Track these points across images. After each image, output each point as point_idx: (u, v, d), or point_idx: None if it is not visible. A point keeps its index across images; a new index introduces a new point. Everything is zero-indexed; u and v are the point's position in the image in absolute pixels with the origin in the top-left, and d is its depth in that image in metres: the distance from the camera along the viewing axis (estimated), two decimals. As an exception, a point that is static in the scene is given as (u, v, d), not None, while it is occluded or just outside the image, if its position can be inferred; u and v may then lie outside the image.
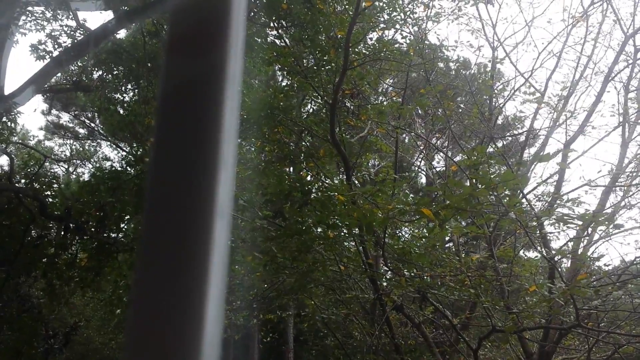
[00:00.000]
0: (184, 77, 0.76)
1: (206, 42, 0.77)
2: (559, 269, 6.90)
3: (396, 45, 8.69)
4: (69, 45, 11.32)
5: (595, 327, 7.43)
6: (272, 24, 9.38)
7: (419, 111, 9.49)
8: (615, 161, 9.17)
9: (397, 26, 8.79)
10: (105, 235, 10.62)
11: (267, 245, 6.78)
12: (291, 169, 8.81)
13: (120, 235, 10.62)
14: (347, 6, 8.66)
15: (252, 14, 10.15)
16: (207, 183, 0.71)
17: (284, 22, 9.31)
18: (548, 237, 8.00)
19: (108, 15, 15.60)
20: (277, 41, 8.99)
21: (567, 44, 9.59)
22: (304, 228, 6.34)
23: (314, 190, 7.22)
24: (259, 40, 9.86)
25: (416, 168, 12.78)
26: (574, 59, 9.71)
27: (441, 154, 10.59)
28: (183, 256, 0.69)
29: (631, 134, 9.33)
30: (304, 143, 8.94)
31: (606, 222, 7.37)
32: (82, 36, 11.44)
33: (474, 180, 5.13)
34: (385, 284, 7.03)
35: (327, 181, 7.81)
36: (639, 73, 9.53)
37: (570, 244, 8.03)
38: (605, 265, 8.39)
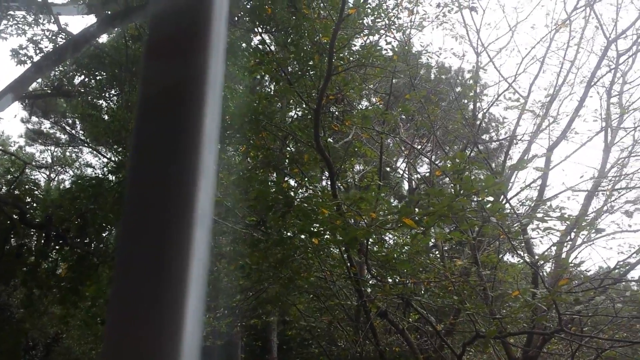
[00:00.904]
0: (163, 81, 0.75)
1: (187, 46, 0.76)
2: (542, 274, 6.93)
3: (381, 51, 8.72)
4: (50, 50, 11.21)
5: (578, 332, 7.47)
6: (256, 29, 9.38)
7: (403, 116, 9.52)
8: (598, 166, 9.25)
9: (382, 32, 8.83)
10: (86, 244, 10.49)
11: (250, 253, 6.74)
12: (275, 174, 8.78)
13: (101, 244, 10.50)
14: (331, 12, 8.67)
15: (237, 18, 10.13)
16: (187, 190, 0.70)
17: (268, 27, 9.31)
18: (531, 242, 8.06)
19: (90, 19, 15.50)
20: (261, 46, 8.97)
21: (550, 49, 9.69)
22: (287, 236, 6.31)
23: (297, 197, 7.20)
24: (243, 45, 9.85)
25: (400, 173, 12.83)
26: (557, 64, 9.81)
27: (425, 158, 10.64)
28: (161, 264, 0.68)
29: (613, 139, 9.43)
30: (288, 148, 8.93)
31: (588, 227, 7.45)
32: (64, 41, 11.33)
33: (456, 186, 5.15)
34: (369, 290, 7.02)
35: (310, 189, 7.78)
36: (621, 78, 9.65)
37: (554, 249, 8.09)
38: (586, 270, 8.47)
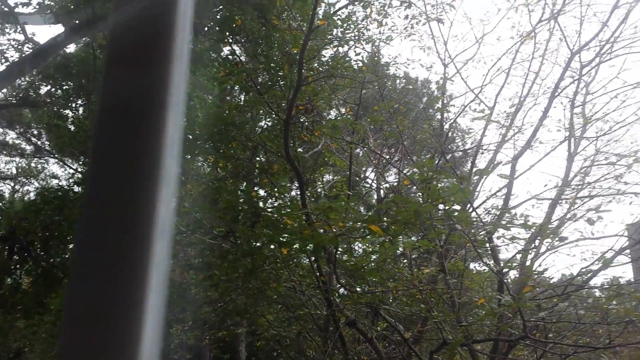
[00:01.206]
0: (125, 92, 0.75)
1: (149, 56, 0.76)
2: (507, 282, 7.06)
3: (350, 62, 8.81)
4: (16, 59, 11.03)
5: (542, 338, 7.61)
6: (226, 40, 9.38)
7: (372, 126, 9.62)
8: (561, 175, 9.44)
9: (351, 43, 8.93)
10: (50, 257, 10.29)
11: (219, 264, 6.72)
12: (244, 185, 8.78)
13: (66, 256, 10.31)
14: (301, 22, 8.75)
15: (207, 29, 10.14)
16: (147, 200, 0.70)
17: (238, 38, 9.33)
18: (497, 250, 8.19)
19: (57, 29, 15.29)
20: (231, 57, 8.99)
21: (515, 61, 9.87)
22: (256, 246, 6.31)
23: (267, 207, 7.21)
24: (213, 55, 9.84)
25: (370, 183, 12.94)
26: (522, 75, 10.00)
27: (394, 168, 10.75)
28: (119, 274, 0.67)
29: (577, 148, 9.64)
30: (258, 158, 8.93)
31: (552, 235, 7.61)
32: (30, 50, 11.17)
33: (424, 194, 5.23)
34: (338, 299, 7.05)
35: (279, 199, 7.80)
36: (584, 88, 9.87)
37: (518, 257, 8.23)
38: (549, 278, 8.62)
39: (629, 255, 8.78)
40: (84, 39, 11.62)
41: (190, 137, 7.94)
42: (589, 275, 8.11)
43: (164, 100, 0.74)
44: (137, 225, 0.69)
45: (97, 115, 0.75)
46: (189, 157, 8.38)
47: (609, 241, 15.87)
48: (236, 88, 9.51)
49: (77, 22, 10.29)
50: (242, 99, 9.42)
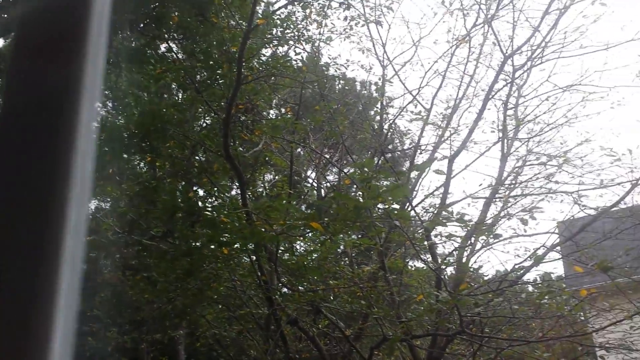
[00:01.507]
0: (32, 87, 0.70)
1: (60, 51, 0.71)
2: (445, 278, 7.22)
3: (290, 62, 8.81)
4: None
5: (478, 332, 7.83)
6: (162, 36, 9.20)
7: (313, 126, 9.64)
8: (495, 174, 9.71)
9: (291, 43, 8.93)
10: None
11: (157, 264, 6.58)
12: (183, 184, 8.63)
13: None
14: (240, 21, 8.67)
15: (142, 25, 9.90)
16: (57, 200, 0.67)
17: (175, 35, 9.16)
18: (434, 248, 8.36)
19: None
20: (168, 54, 8.82)
21: (451, 64, 10.05)
22: (195, 246, 6.22)
23: (207, 207, 7.11)
24: (149, 52, 9.63)
25: (310, 182, 12.96)
26: (457, 77, 10.18)
27: (335, 167, 10.81)
28: (28, 276, 0.64)
29: (509, 149, 9.92)
30: (197, 158, 8.80)
31: (487, 232, 7.84)
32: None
33: (364, 193, 5.28)
34: (279, 298, 7.03)
35: (220, 198, 7.71)
36: (516, 91, 10.18)
37: (455, 254, 8.42)
38: (485, 274, 8.86)
39: (560, 252, 9.14)
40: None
41: (126, 135, 7.75)
42: (522, 271, 8.39)
43: (77, 97, 0.70)
44: (47, 225, 0.66)
45: (2, 114, 0.70)
46: (126, 156, 8.18)
47: (540, 238, 16.44)
48: (174, 86, 9.33)
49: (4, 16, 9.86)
50: (180, 97, 9.25)
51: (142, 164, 9.21)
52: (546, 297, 7.28)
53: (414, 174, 9.98)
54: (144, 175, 8.53)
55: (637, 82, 8.95)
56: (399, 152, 12.05)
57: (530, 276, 9.49)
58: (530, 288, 9.65)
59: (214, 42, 8.39)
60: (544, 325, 8.17)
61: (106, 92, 11.12)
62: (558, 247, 8.93)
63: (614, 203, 8.63)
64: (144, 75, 9.24)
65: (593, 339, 8.62)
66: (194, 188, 8.44)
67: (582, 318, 9.60)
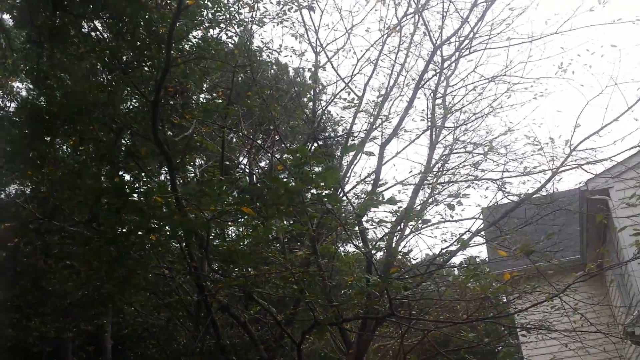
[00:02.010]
0: None
1: None
2: (375, 263, 7.32)
3: (222, 45, 8.63)
4: None
5: (406, 315, 8.01)
6: (87, 16, 8.80)
7: (245, 110, 9.52)
8: (424, 162, 9.92)
9: (222, 25, 8.75)
10: None
11: (81, 252, 6.32)
12: (108, 169, 8.30)
13: None
14: (169, 1, 8.41)
15: (66, 3, 9.43)
16: None
17: (101, 14, 8.78)
18: (365, 233, 8.46)
19: None
20: (93, 34, 8.43)
21: (382, 53, 10.16)
22: (121, 232, 6.00)
23: (134, 192, 6.87)
24: (73, 32, 9.18)
25: (243, 168, 12.82)
26: (388, 66, 10.31)
27: (267, 154, 10.73)
28: None
29: (438, 137, 10.16)
30: (123, 141, 8.50)
31: (416, 218, 8.00)
32: None
33: (296, 179, 5.25)
34: (210, 284, 6.92)
35: (147, 183, 7.47)
36: (445, 81, 10.41)
37: (385, 239, 8.56)
38: (413, 258, 9.06)
39: (484, 237, 9.47)
40: None
41: (48, 117, 7.38)
42: (449, 255, 8.64)
43: None
44: None
45: None
46: (48, 139, 7.80)
47: (466, 224, 17.02)
48: (99, 67, 8.95)
49: None
50: (105, 78, 8.88)
51: (65, 147, 8.81)
52: (471, 280, 7.51)
53: (345, 160, 10.06)
54: (67, 159, 8.15)
55: (560, 75, 9.32)
56: (331, 139, 12.10)
57: (456, 260, 9.79)
58: (457, 271, 9.96)
59: (142, 23, 8.09)
60: (469, 307, 8.44)
61: (27, 73, 10.55)
62: (482, 232, 9.25)
63: (535, 190, 9.00)
64: (67, 55, 8.81)
65: (515, 320, 9.00)
66: (120, 173, 8.14)
67: (505, 300, 10.00)
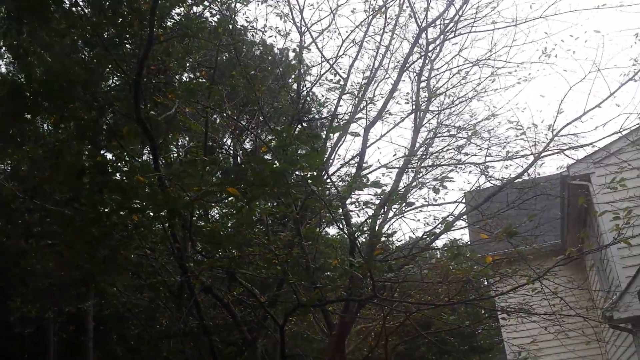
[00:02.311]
0: None
1: None
2: (359, 245, 7.34)
3: (205, 23, 8.48)
4: None
5: (389, 297, 8.07)
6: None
7: (229, 90, 9.41)
8: (408, 145, 9.93)
9: (206, 3, 8.60)
10: None
11: (62, 231, 6.23)
12: (89, 147, 8.16)
13: None
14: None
15: (45, -23, 9.18)
16: None
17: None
18: (350, 215, 8.48)
19: None
20: (74, 9, 8.21)
21: (368, 34, 10.10)
22: (103, 212, 5.92)
23: (117, 171, 6.77)
24: (53, 7, 8.95)
25: (227, 149, 12.73)
26: (373, 48, 10.26)
27: (252, 135, 10.65)
28: None
29: (422, 121, 10.17)
30: (105, 120, 8.37)
31: (399, 201, 8.02)
32: None
33: (281, 160, 5.22)
34: (193, 265, 6.89)
35: (129, 163, 7.36)
36: (429, 64, 10.39)
37: (369, 222, 8.58)
38: (398, 240, 9.11)
39: (466, 221, 9.55)
40: None
41: (28, 94, 7.21)
42: (432, 238, 8.70)
43: None
44: None
45: None
46: (28, 116, 7.63)
47: (449, 207, 17.17)
48: (80, 43, 8.75)
49: None
50: (87, 55, 8.69)
51: (45, 126, 8.64)
52: (453, 262, 7.56)
53: (330, 142, 10.02)
54: (48, 137, 8.00)
55: (544, 60, 9.35)
56: (316, 121, 12.04)
57: (439, 243, 9.85)
58: (439, 255, 10.03)
59: (124, -2, 7.90)
60: (450, 290, 8.52)
61: (7, 49, 10.29)
62: (465, 216, 9.32)
63: (518, 175, 9.08)
64: (47, 31, 8.58)
65: (496, 303, 9.12)
66: (102, 152, 8.01)
67: (486, 283, 10.12)
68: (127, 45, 7.83)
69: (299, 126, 9.20)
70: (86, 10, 8.43)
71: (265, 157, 9.61)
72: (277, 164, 5.23)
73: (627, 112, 7.57)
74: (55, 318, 11.68)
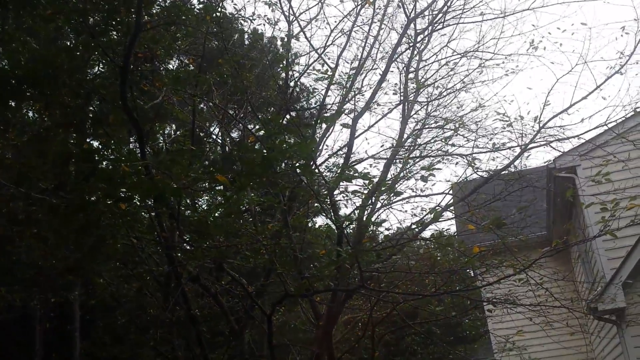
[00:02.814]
0: None
1: None
2: (347, 235, 7.34)
3: (193, 11, 8.39)
4: None
5: (376, 287, 8.09)
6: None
7: (218, 80, 9.33)
8: (396, 136, 9.93)
9: (194, -10, 8.52)
10: None
11: (48, 219, 6.16)
12: (75, 135, 8.07)
13: None
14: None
15: (30, -38, 9.02)
16: None
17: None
18: (337, 206, 8.48)
19: None
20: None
21: (356, 24, 10.06)
22: (90, 200, 5.85)
23: (103, 159, 6.70)
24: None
25: (214, 138, 12.66)
26: (362, 38, 10.23)
27: (239, 124, 10.59)
28: None
29: (410, 112, 10.18)
30: (91, 108, 8.27)
31: (387, 191, 8.03)
32: None
33: (269, 149, 5.18)
34: (181, 255, 6.86)
35: (116, 151, 7.29)
36: (417, 55, 10.38)
37: (357, 212, 8.58)
38: (387, 229, 9.12)
39: (453, 212, 9.58)
40: None
41: (13, 82, 7.11)
42: (419, 228, 8.71)
43: None
44: None
45: None
46: (13, 103, 7.53)
47: (436, 199, 17.27)
48: (66, 30, 8.62)
49: None
50: (73, 42, 8.57)
51: (30, 113, 8.53)
52: (441, 253, 7.59)
53: (318, 132, 9.99)
54: (33, 125, 7.90)
55: (531, 52, 9.39)
56: (304, 110, 12.00)
57: (427, 234, 9.89)
58: (426, 245, 10.05)
59: (111, -16, 7.78)
60: (437, 281, 8.56)
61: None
62: (452, 207, 9.35)
63: (504, 166, 9.12)
64: (34, 17, 8.45)
65: (482, 293, 9.18)
66: (88, 140, 7.93)
67: (472, 274, 10.19)
68: (114, 32, 7.73)
69: (288, 116, 9.16)
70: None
71: (253, 146, 9.57)
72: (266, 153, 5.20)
73: (613, 104, 7.63)
74: (41, 306, 11.58)
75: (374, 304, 8.45)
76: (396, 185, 9.44)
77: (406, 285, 8.71)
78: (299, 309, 9.23)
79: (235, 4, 12.15)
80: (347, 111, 9.25)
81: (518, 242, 8.46)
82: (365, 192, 7.92)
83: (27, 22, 8.51)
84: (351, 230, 8.52)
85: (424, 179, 6.52)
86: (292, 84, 10.18)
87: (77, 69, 7.32)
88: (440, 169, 9.16)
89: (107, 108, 8.13)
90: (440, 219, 8.67)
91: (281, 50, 10.08)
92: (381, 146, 10.67)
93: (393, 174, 9.64)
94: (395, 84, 10.25)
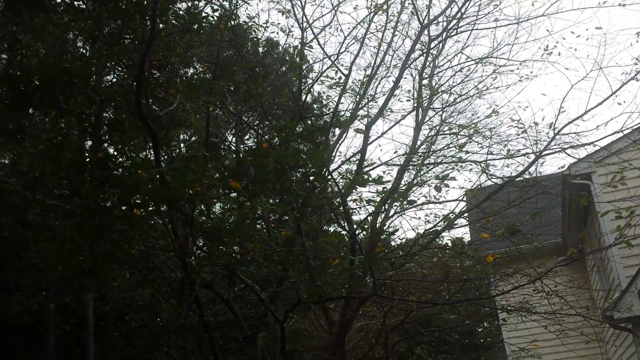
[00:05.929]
0: None
1: None
2: (360, 242, 7.32)
3: (207, 18, 8.45)
4: None
5: (389, 295, 8.05)
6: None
7: (232, 87, 9.38)
8: (410, 143, 9.91)
9: (208, -2, 8.58)
10: None
11: (63, 224, 6.20)
12: (91, 142, 8.15)
13: None
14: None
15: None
16: None
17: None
18: (351, 213, 8.45)
19: None
20: (76, 3, 8.18)
21: (369, 31, 10.06)
22: (104, 206, 5.89)
23: (118, 166, 6.73)
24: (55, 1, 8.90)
25: (228, 145, 12.70)
26: (375, 45, 10.22)
27: (253, 131, 10.63)
28: None
29: (424, 118, 10.15)
30: (106, 115, 8.34)
31: (401, 198, 8.00)
32: None
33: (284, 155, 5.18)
34: (193, 260, 6.87)
35: (131, 158, 7.33)
36: (432, 62, 10.35)
37: (370, 219, 8.55)
38: (399, 237, 9.09)
39: (467, 219, 9.52)
40: None
41: (30, 89, 7.18)
42: (433, 235, 8.68)
43: None
44: None
45: None
46: (30, 111, 7.60)
47: (450, 205, 17.19)
48: (80, 38, 8.71)
49: None
50: (88, 49, 8.65)
51: (46, 120, 8.61)
52: (455, 260, 7.53)
53: (331, 139, 10.00)
54: (48, 132, 7.97)
55: (545, 58, 9.32)
56: (317, 117, 12.01)
57: (439, 242, 9.84)
58: (440, 254, 10.00)
59: (126, -9, 7.85)
60: (450, 289, 8.50)
61: (2, 41, 10.24)
62: (466, 214, 9.29)
63: (519, 173, 9.04)
64: (47, 24, 8.54)
65: (496, 301, 9.10)
66: (103, 146, 7.99)
67: (487, 282, 10.10)
68: (129, 40, 7.79)
69: (301, 122, 9.17)
70: (87, 4, 8.39)
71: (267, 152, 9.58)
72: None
73: (629, 111, 7.54)
74: (56, 312, 11.63)
75: (387, 312, 8.40)
76: (410, 192, 9.41)
77: (420, 293, 8.65)
78: (312, 315, 9.20)
79: (249, 13, 12.20)
80: (360, 117, 9.24)
81: (532, 249, 8.38)
82: (379, 199, 7.91)
83: (37, 27, 8.60)
84: (364, 237, 8.49)
85: (437, 189, 6.49)
86: (305, 91, 10.19)
87: (92, 76, 7.39)
88: (455, 179, 9.12)
89: (122, 115, 8.18)
90: (454, 227, 8.64)
91: (295, 57, 10.10)
92: (394, 152, 10.66)
93: (407, 180, 9.62)
94: (409, 90, 10.23)
